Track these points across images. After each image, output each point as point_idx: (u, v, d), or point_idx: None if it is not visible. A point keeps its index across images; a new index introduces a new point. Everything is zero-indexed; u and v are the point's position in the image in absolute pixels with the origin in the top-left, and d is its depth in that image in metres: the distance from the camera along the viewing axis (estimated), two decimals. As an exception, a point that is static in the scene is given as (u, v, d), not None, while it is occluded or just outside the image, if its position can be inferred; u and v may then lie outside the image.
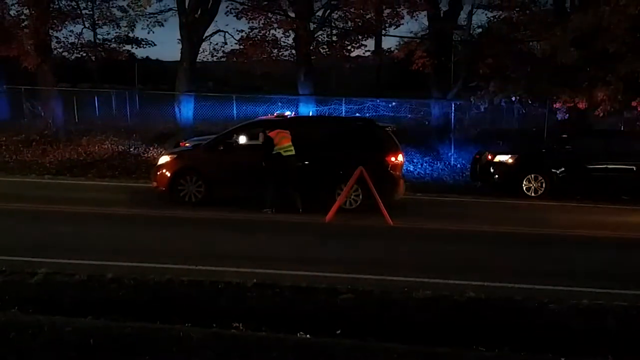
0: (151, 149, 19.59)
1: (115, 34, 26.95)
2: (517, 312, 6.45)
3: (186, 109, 21.07)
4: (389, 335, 5.64)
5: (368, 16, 23.52)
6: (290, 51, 24.08)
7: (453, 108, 21.25)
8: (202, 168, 12.24)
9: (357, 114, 21.82)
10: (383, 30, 25.25)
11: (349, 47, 24.39)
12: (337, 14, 23.68)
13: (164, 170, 12.36)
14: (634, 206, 14.41)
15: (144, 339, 5.03)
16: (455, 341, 5.62)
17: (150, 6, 22.18)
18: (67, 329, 5.09)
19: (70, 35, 25.18)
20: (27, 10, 21.26)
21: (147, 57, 35.66)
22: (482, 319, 6.25)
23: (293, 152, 11.69)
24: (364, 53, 26.90)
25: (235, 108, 22.42)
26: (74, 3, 23.99)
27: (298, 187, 11.77)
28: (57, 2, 22.83)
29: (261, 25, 23.23)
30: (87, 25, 25.39)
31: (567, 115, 19.25)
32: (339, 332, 5.71)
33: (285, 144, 11.64)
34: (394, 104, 23.06)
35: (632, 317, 6.39)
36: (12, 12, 21.76)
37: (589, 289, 7.37)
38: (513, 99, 19.82)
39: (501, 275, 7.92)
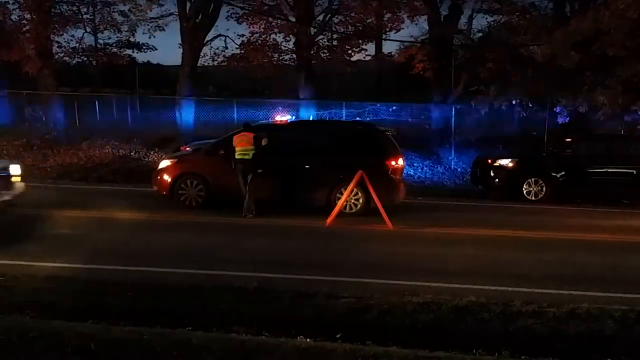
0: (152, 153, 19.60)
1: (116, 39, 27.03)
2: (517, 316, 6.44)
3: (187, 114, 21.11)
4: (389, 339, 5.64)
5: (368, 21, 23.66)
6: (291, 55, 24.19)
7: (453, 112, 21.27)
8: (203, 172, 12.26)
9: (358, 118, 21.85)
10: (383, 35, 25.36)
11: (349, 52, 24.52)
12: (337, 18, 23.79)
13: (164, 175, 12.38)
14: (633, 210, 14.41)
15: (145, 343, 5.04)
16: (455, 345, 5.62)
17: (151, 11, 22.30)
18: (68, 334, 5.10)
19: (72, 40, 25.31)
20: (29, 15, 21.39)
21: (148, 61, 35.61)
22: (482, 322, 6.25)
23: (248, 156, 11.61)
24: (364, 57, 27.07)
25: (236, 112, 22.42)
26: (75, 8, 24.09)
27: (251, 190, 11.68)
28: (58, 7, 22.93)
29: (262, 30, 23.34)
30: (88, 30, 25.50)
31: (568, 119, 19.27)
32: (339, 336, 5.71)
33: (240, 147, 11.64)
34: (394, 108, 23.07)
35: (631, 321, 6.38)
36: (13, 17, 21.96)
37: (589, 292, 7.38)
38: (514, 102, 19.84)
39: (502, 279, 7.91)
